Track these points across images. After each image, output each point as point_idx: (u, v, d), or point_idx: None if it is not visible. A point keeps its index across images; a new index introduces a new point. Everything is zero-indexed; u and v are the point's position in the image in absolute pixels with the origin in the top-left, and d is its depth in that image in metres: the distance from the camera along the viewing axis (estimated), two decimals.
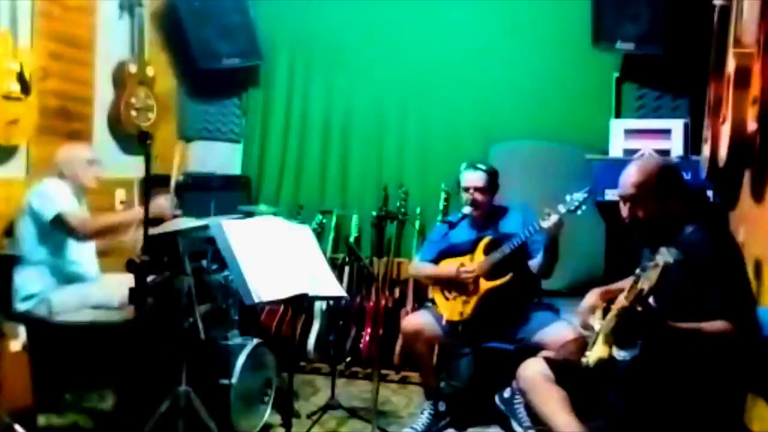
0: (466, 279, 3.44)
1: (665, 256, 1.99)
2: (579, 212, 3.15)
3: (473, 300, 3.43)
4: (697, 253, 2.17)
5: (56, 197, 3.37)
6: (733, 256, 2.25)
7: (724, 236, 2.32)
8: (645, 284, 2.02)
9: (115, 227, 3.50)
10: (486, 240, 3.51)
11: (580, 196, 3.14)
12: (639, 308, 2.04)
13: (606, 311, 2.51)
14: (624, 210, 2.41)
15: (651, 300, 2.08)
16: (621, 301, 2.17)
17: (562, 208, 3.15)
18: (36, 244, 3.36)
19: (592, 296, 2.60)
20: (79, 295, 3.38)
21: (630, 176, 2.39)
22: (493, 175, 3.58)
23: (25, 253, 3.36)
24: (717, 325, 2.12)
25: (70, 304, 3.34)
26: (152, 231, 2.97)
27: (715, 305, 2.14)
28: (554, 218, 3.13)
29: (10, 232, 3.53)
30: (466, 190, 3.56)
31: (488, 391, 3.46)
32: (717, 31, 3.17)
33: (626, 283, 2.50)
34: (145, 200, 2.92)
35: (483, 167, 3.58)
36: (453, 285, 3.52)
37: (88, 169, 3.56)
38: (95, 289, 3.47)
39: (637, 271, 2.43)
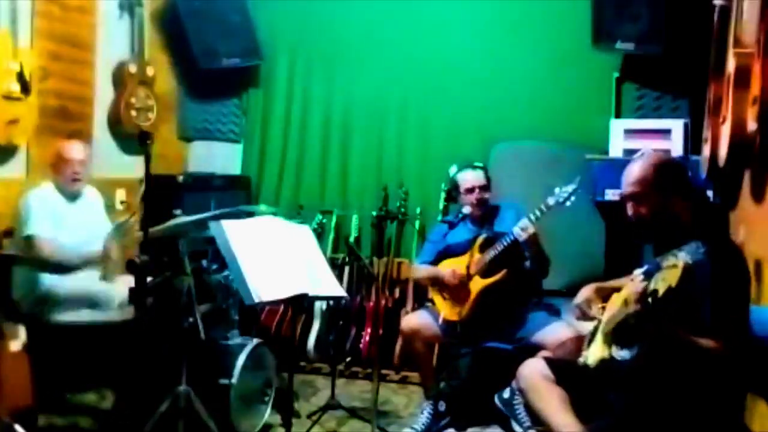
0: (449, 282, 3.45)
1: (685, 256, 1.98)
2: (568, 203, 3.17)
3: (470, 299, 3.43)
4: (698, 271, 2.15)
5: (36, 215, 3.32)
6: (734, 277, 2.21)
7: (728, 254, 2.27)
8: (660, 285, 2.00)
9: (77, 266, 3.43)
10: (481, 238, 3.52)
11: (569, 187, 3.17)
12: (649, 308, 2.02)
13: (603, 310, 2.51)
14: (629, 209, 2.39)
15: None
16: (627, 298, 2.16)
17: (551, 200, 3.18)
18: (22, 251, 3.36)
19: (588, 290, 2.60)
20: (79, 288, 3.38)
21: (631, 174, 2.37)
22: (487, 171, 3.66)
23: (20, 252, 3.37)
24: (708, 342, 2.12)
25: (71, 298, 3.34)
26: (152, 231, 2.97)
27: (708, 323, 2.14)
28: (526, 231, 3.20)
29: (10, 232, 3.53)
30: (471, 190, 3.57)
31: (488, 391, 3.46)
32: (717, 31, 3.17)
33: (623, 281, 2.50)
34: (146, 200, 2.93)
35: (479, 165, 3.66)
36: (448, 287, 3.53)
37: (66, 168, 3.50)
38: (94, 288, 3.48)
39: (637, 271, 2.44)
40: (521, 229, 3.23)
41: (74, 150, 3.55)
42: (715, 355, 2.11)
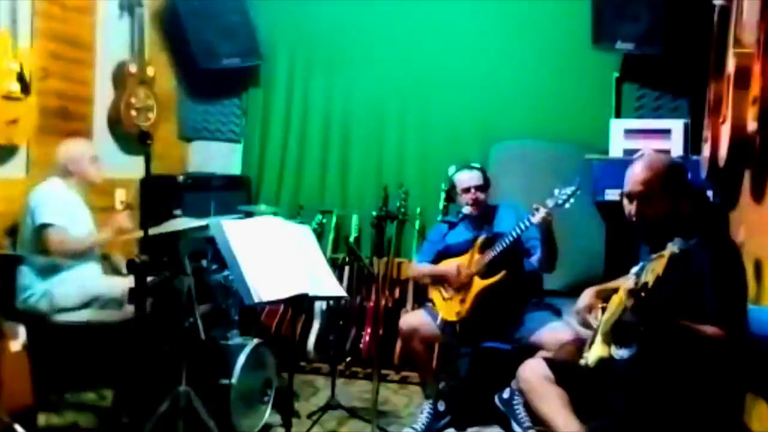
0: (465, 278, 3.44)
1: (671, 247, 1.99)
2: (567, 206, 3.15)
3: (469, 299, 3.44)
4: (698, 265, 2.16)
5: (50, 205, 3.39)
6: (729, 264, 2.23)
7: (722, 243, 2.29)
8: (650, 276, 2.01)
9: (93, 246, 3.58)
10: (481, 239, 3.51)
11: (568, 189, 3.16)
12: (643, 300, 2.02)
13: (603, 311, 2.52)
14: (631, 208, 2.35)
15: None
16: (623, 296, 2.16)
17: (550, 203, 3.16)
18: (32, 242, 3.38)
19: (588, 295, 2.60)
20: (81, 287, 3.39)
21: (638, 173, 2.33)
22: (485, 172, 3.65)
23: (26, 252, 3.37)
24: (710, 329, 2.12)
25: (72, 297, 3.35)
26: (152, 231, 2.98)
27: (708, 312, 2.14)
28: (542, 212, 3.15)
29: (11, 231, 3.53)
30: (467, 190, 3.57)
31: (488, 391, 3.47)
32: (717, 31, 3.17)
33: (622, 281, 2.51)
34: (145, 201, 2.93)
35: (477, 165, 3.66)
36: (450, 283, 3.53)
37: (93, 165, 3.61)
38: (96, 282, 3.49)
39: (634, 269, 2.44)
40: (540, 217, 3.18)
41: (93, 148, 3.73)
42: (717, 341, 2.11)
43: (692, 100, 4.14)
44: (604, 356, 2.35)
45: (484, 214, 3.62)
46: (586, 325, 2.58)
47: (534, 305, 3.50)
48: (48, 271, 3.39)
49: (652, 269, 2.01)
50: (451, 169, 3.70)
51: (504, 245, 3.34)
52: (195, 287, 3.10)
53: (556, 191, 3.18)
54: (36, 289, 3.35)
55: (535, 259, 3.44)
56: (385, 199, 4.67)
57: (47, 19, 3.92)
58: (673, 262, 1.98)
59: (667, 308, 2.10)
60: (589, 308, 2.57)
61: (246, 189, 4.94)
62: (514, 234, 3.30)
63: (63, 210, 3.43)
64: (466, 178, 3.60)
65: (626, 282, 2.36)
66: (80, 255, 3.50)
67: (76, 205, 3.57)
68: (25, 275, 3.36)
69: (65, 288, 3.38)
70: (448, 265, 3.55)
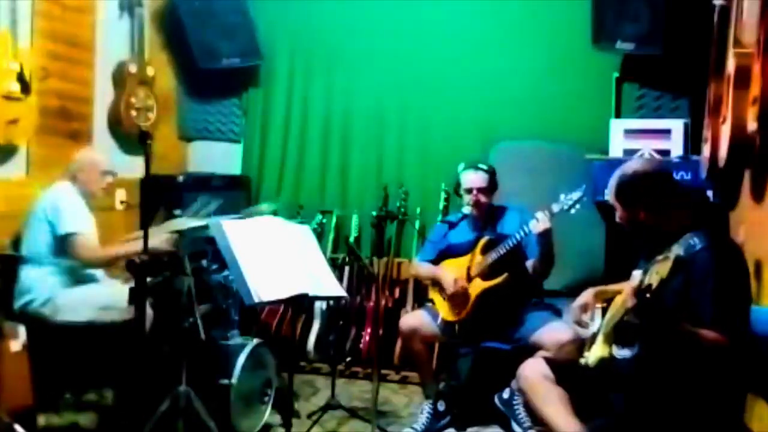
0: (456, 292, 3.43)
1: (677, 249, 1.99)
2: (573, 211, 3.15)
3: (470, 300, 3.43)
4: (697, 266, 2.16)
5: (73, 213, 3.33)
6: (732, 270, 2.22)
7: (726, 248, 2.28)
8: (654, 279, 2.01)
9: (120, 258, 3.43)
10: (484, 240, 3.51)
11: (574, 195, 3.15)
12: (646, 302, 2.02)
13: (604, 312, 2.52)
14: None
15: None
16: (626, 297, 2.16)
17: (555, 207, 3.17)
18: (48, 250, 3.32)
19: (586, 294, 2.61)
20: (86, 296, 3.37)
21: (610, 180, 2.43)
22: (493, 175, 3.60)
23: (34, 255, 3.33)
24: (711, 335, 2.12)
25: (77, 305, 3.33)
26: (152, 231, 2.98)
27: (709, 318, 2.14)
28: (543, 223, 3.15)
29: (12, 233, 3.52)
30: (469, 191, 3.56)
31: (487, 390, 3.47)
32: (717, 31, 3.17)
33: (623, 285, 2.51)
34: (145, 200, 2.93)
35: (484, 167, 3.60)
36: (445, 291, 3.52)
37: (101, 179, 3.56)
38: (102, 290, 3.47)
39: (636, 272, 2.44)
40: (541, 227, 3.19)
41: (108, 163, 3.65)
42: (718, 347, 2.11)
43: (692, 100, 4.14)
44: (604, 356, 2.35)
45: (487, 215, 3.61)
46: (578, 323, 2.59)
47: (534, 305, 3.51)
48: (68, 279, 3.35)
49: (657, 271, 2.01)
50: (461, 166, 3.67)
51: (506, 249, 3.34)
52: (195, 287, 3.10)
53: (562, 196, 3.17)
54: (40, 294, 3.32)
55: (529, 264, 3.44)
56: (385, 199, 4.66)
57: (47, 19, 3.92)
58: (678, 266, 1.98)
59: (670, 311, 2.10)
60: (585, 307, 2.58)
61: (246, 189, 4.94)
62: (515, 238, 3.30)
63: (85, 216, 3.38)
64: (470, 178, 3.58)
65: (631, 282, 2.36)
66: (107, 264, 3.45)
67: (86, 210, 3.53)
68: (31, 279, 3.33)
69: (71, 297, 3.32)
70: (447, 271, 3.54)
